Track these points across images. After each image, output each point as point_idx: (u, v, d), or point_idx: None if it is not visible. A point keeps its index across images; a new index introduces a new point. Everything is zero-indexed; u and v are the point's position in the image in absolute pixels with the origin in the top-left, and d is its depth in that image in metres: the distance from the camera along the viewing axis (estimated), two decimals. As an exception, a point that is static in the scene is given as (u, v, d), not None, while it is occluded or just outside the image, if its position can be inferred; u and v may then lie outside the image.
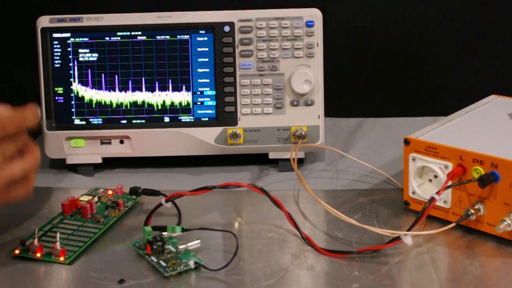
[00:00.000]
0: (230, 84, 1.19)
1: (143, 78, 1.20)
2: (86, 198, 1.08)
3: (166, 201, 0.99)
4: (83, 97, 1.20)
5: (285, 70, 1.19)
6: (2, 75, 1.54)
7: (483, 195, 0.95)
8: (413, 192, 1.03)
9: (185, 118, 1.21)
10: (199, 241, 0.94)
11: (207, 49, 1.19)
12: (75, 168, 1.23)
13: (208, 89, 1.20)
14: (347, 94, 1.53)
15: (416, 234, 0.96)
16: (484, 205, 0.95)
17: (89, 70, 1.20)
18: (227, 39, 1.19)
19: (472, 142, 0.99)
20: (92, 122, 1.20)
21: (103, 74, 1.20)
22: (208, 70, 1.20)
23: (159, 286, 0.88)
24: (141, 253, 0.94)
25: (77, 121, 1.21)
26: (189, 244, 0.94)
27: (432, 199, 0.94)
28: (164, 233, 0.96)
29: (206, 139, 1.20)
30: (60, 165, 1.24)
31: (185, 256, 0.93)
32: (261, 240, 0.98)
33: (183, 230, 0.96)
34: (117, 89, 1.20)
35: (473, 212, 0.95)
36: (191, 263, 0.90)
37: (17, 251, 0.94)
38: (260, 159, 1.23)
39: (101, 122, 1.21)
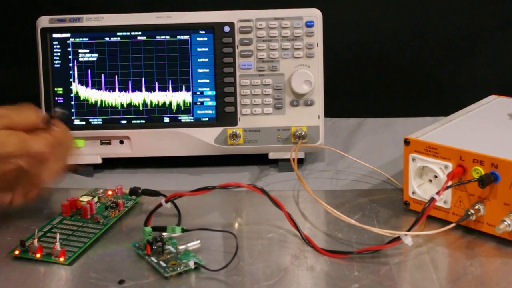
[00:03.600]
0: (230, 84, 1.19)
1: (143, 78, 1.20)
2: (86, 198, 1.08)
3: (166, 202, 0.99)
4: (83, 98, 1.20)
5: (285, 70, 1.19)
6: (2, 76, 1.54)
7: (483, 195, 0.95)
8: (413, 192, 1.03)
9: (185, 118, 1.20)
10: (199, 241, 0.94)
11: (207, 49, 1.19)
12: (75, 169, 1.23)
13: (208, 89, 1.20)
14: (347, 94, 1.53)
15: (416, 234, 0.96)
16: (484, 205, 0.95)
17: (89, 70, 1.20)
18: (227, 39, 1.19)
19: (472, 142, 0.99)
20: (92, 123, 1.20)
21: (103, 74, 1.20)
22: (208, 70, 1.19)
23: (159, 286, 0.88)
24: (141, 254, 0.94)
25: (77, 122, 1.20)
26: (189, 244, 0.94)
27: (432, 199, 0.94)
28: (164, 234, 0.96)
29: (206, 139, 1.20)
30: (60, 166, 1.24)
31: (185, 257, 0.92)
32: (261, 241, 0.98)
33: (183, 230, 0.96)
34: (117, 89, 1.20)
35: (473, 212, 0.95)
36: (191, 264, 0.90)
37: (17, 252, 0.94)
38: (260, 159, 1.23)
39: (101, 123, 1.21)
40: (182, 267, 0.90)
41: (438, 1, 1.50)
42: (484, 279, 0.89)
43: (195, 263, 0.90)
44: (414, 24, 1.51)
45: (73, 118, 1.20)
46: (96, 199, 1.08)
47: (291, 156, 1.15)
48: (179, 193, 0.98)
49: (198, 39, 1.19)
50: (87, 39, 1.19)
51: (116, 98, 1.20)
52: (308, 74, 1.18)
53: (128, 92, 1.20)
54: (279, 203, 0.97)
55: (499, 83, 1.51)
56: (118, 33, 1.19)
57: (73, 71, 1.20)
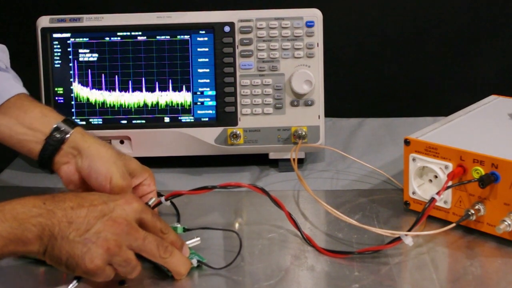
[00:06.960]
0: (230, 84, 1.19)
1: (143, 78, 1.20)
2: (86, 198, 1.08)
3: (166, 200, 0.99)
4: (83, 98, 1.20)
5: (285, 70, 1.19)
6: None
7: (483, 195, 0.95)
8: (413, 192, 1.03)
9: (185, 118, 1.21)
10: (198, 238, 0.93)
11: (207, 49, 1.19)
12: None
13: (208, 89, 1.20)
14: (347, 94, 1.53)
15: (416, 234, 0.96)
16: (484, 205, 0.95)
17: (89, 70, 1.20)
18: (227, 39, 1.19)
19: (472, 142, 0.99)
20: (92, 122, 1.20)
21: (103, 74, 1.20)
22: (208, 70, 1.20)
23: (160, 286, 0.88)
24: (142, 254, 0.94)
25: (77, 122, 1.20)
26: (188, 242, 0.93)
27: (432, 200, 0.94)
28: None
29: (206, 139, 1.20)
30: (60, 165, 1.23)
31: (186, 255, 0.92)
32: (261, 241, 0.98)
33: (185, 230, 0.96)
34: (117, 89, 1.20)
35: (473, 212, 0.95)
36: (194, 262, 0.89)
37: (17, 252, 0.94)
38: (260, 159, 1.23)
39: (101, 122, 1.21)
40: (183, 266, 0.90)
41: (438, 1, 1.50)
42: (484, 279, 0.89)
43: (198, 261, 0.90)
44: (414, 24, 1.51)
45: (73, 118, 1.20)
46: (96, 199, 1.08)
47: (291, 156, 1.15)
48: (178, 192, 0.98)
49: (198, 39, 1.19)
50: (87, 39, 1.19)
51: (116, 98, 1.20)
52: (308, 74, 1.18)
53: (128, 92, 1.20)
54: (280, 203, 0.97)
55: (499, 83, 1.51)
56: (119, 33, 1.19)
57: (73, 71, 1.20)
